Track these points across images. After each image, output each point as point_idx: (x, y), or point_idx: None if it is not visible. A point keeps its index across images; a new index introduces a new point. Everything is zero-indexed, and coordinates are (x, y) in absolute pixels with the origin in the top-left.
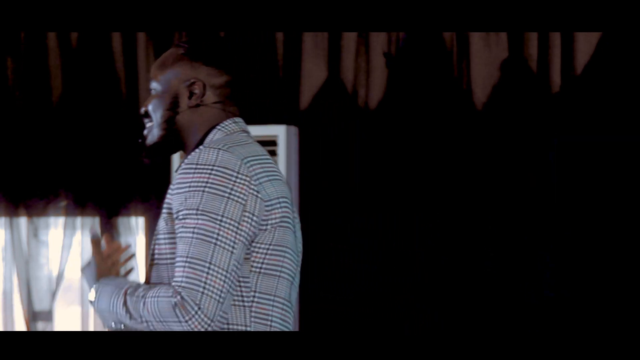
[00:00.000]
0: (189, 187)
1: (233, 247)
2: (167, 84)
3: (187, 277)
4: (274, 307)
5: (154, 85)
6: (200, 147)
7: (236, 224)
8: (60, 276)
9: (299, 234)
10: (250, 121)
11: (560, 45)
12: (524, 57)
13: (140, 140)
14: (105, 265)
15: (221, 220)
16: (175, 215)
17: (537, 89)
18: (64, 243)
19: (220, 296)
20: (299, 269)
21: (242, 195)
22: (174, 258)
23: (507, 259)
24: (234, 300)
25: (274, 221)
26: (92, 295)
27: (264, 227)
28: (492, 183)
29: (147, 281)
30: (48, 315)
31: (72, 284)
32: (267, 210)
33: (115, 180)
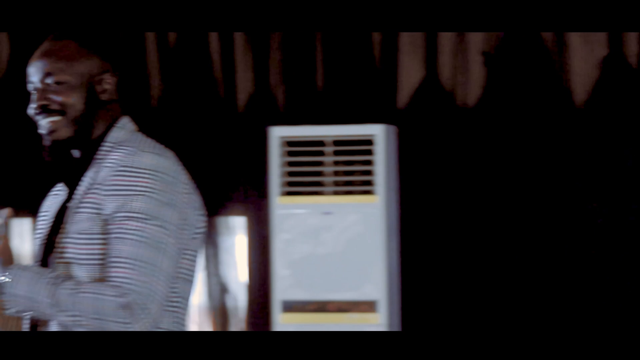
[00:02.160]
0: (129, 190)
1: (174, 254)
2: (77, 76)
3: (136, 279)
4: (187, 311)
5: (60, 78)
6: (131, 149)
7: (178, 232)
8: None
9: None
10: (348, 121)
11: None
12: (624, 53)
13: (46, 137)
14: (10, 249)
15: (167, 227)
16: (109, 216)
17: (637, 85)
18: None
19: (162, 302)
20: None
21: (182, 204)
22: (103, 258)
23: (615, 256)
24: (166, 305)
25: (201, 230)
26: (2, 278)
27: (196, 236)
28: (593, 181)
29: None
30: None
31: None
32: (199, 219)
33: (215, 179)
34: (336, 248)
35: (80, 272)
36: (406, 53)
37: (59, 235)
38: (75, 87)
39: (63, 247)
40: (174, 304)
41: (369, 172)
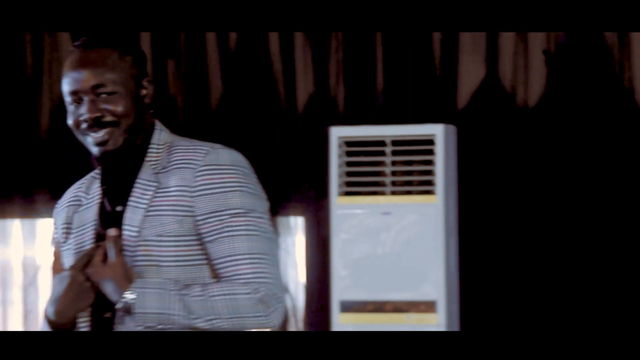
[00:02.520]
0: (222, 187)
1: (276, 240)
2: (125, 84)
3: (262, 272)
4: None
5: (110, 88)
6: (203, 148)
7: (269, 219)
8: None
9: None
10: (408, 120)
11: None
12: None
13: (96, 149)
14: (125, 266)
15: (265, 217)
16: (205, 216)
17: None
18: None
19: (285, 288)
20: None
21: (262, 193)
22: (187, 259)
23: None
24: None
25: None
26: (129, 296)
27: None
28: None
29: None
30: None
31: None
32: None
33: (274, 179)
34: (395, 248)
35: (169, 274)
36: (467, 53)
37: (126, 239)
38: (125, 97)
39: (139, 251)
40: None
41: (428, 172)
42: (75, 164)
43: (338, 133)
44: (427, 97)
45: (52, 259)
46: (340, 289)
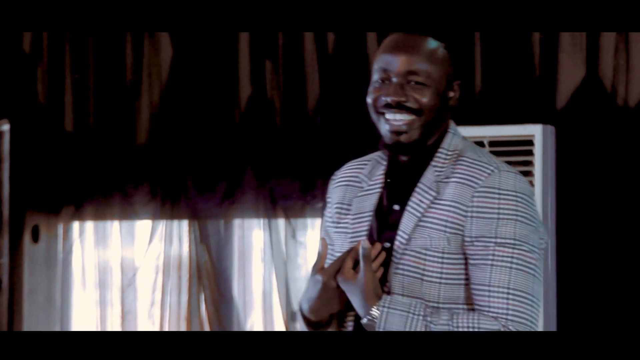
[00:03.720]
0: (497, 214)
1: (542, 280)
2: (438, 80)
3: (514, 310)
4: None
5: (422, 78)
6: (489, 166)
7: (541, 255)
8: None
9: None
10: (507, 121)
11: None
12: None
13: (399, 131)
14: (375, 281)
15: (537, 252)
16: (473, 239)
17: None
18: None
19: (536, 327)
20: None
21: (540, 225)
22: (451, 278)
23: None
24: None
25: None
26: (374, 313)
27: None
28: None
29: (397, 291)
30: None
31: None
32: (543, 241)
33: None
34: None
35: (431, 289)
36: (567, 52)
37: (397, 244)
38: (434, 91)
39: (404, 259)
40: None
41: (527, 173)
42: (173, 166)
43: None
44: (526, 98)
45: (318, 254)
46: None
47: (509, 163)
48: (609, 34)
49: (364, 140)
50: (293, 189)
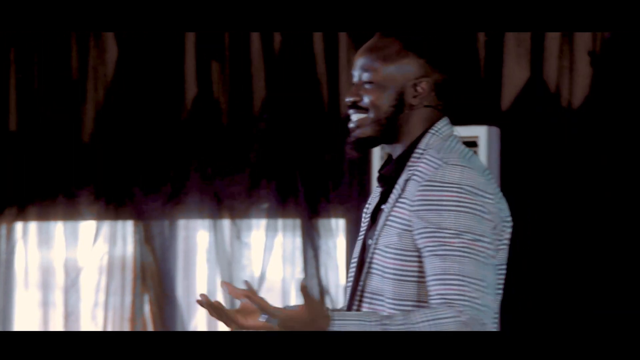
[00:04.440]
0: (439, 206)
1: (493, 266)
2: (390, 78)
3: (469, 296)
4: (494, 324)
5: (372, 77)
6: (438, 161)
7: (490, 243)
8: (262, 277)
9: None
10: (451, 122)
11: None
12: None
13: (351, 131)
14: (317, 305)
15: (483, 240)
16: (419, 232)
17: None
18: (265, 245)
19: (493, 316)
20: None
21: (490, 214)
22: (402, 274)
23: None
24: None
25: (506, 240)
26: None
27: (501, 247)
28: None
29: (358, 288)
30: None
31: (274, 285)
32: (504, 228)
33: (316, 182)
34: None
35: (384, 286)
36: (511, 54)
37: (370, 241)
38: (385, 89)
39: (372, 257)
40: (494, 320)
41: None
42: (118, 166)
43: None
44: (471, 99)
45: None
46: None
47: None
48: (553, 36)
49: (310, 140)
50: (238, 189)
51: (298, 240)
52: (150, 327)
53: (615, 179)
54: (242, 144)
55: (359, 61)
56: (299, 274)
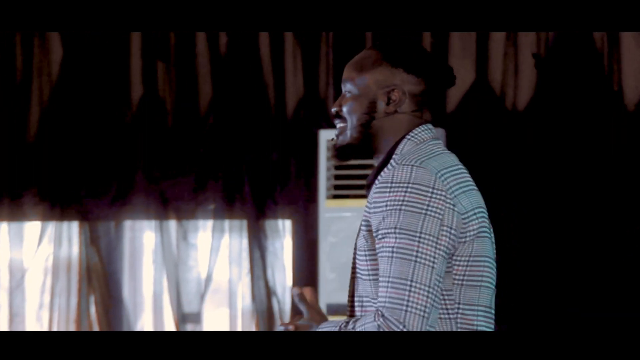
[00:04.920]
0: (386, 206)
1: (433, 262)
2: (364, 87)
3: (389, 297)
4: (478, 317)
5: (349, 87)
6: (393, 164)
7: (435, 239)
8: (208, 279)
9: (494, 240)
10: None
11: None
12: None
13: (332, 139)
14: (319, 313)
15: (420, 237)
16: (375, 234)
17: None
18: (212, 246)
19: (424, 311)
20: (495, 274)
21: (438, 210)
22: (376, 274)
23: None
24: (440, 313)
25: (471, 233)
26: None
27: (463, 240)
28: None
29: (351, 293)
30: (197, 317)
31: (220, 286)
32: (465, 223)
33: (262, 183)
34: None
35: (361, 287)
36: (456, 56)
37: (353, 252)
38: (357, 97)
39: (354, 262)
40: (453, 311)
41: None
42: (63, 167)
43: (327, 136)
44: None
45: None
46: (328, 292)
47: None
48: (497, 38)
49: (256, 141)
50: (185, 190)
51: (245, 242)
52: (96, 328)
53: (559, 179)
54: (188, 144)
55: (344, 72)
56: (245, 275)
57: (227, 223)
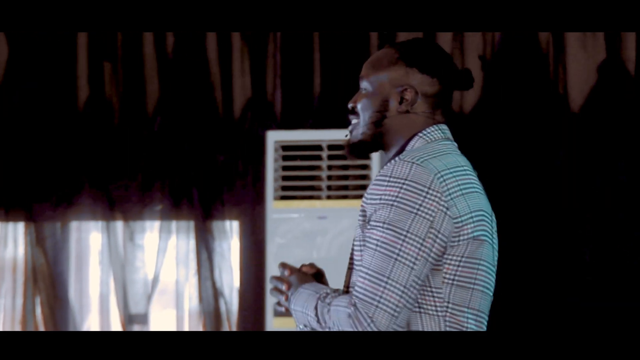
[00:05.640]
0: (380, 199)
1: (414, 263)
2: (378, 85)
3: (364, 289)
4: (468, 319)
5: (365, 85)
6: (396, 158)
7: (420, 240)
8: (155, 280)
9: (496, 245)
10: (345, 125)
11: None
12: (622, 59)
13: (345, 136)
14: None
15: (405, 236)
16: (368, 225)
17: (635, 91)
18: (159, 246)
19: (395, 310)
20: (494, 280)
21: (430, 212)
22: None
23: (605, 258)
24: (428, 309)
25: (466, 236)
26: (291, 298)
27: (454, 243)
28: (589, 185)
29: (347, 284)
30: (143, 318)
31: (167, 287)
32: (457, 227)
33: (210, 184)
34: (330, 252)
35: (354, 278)
36: None
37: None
38: (371, 95)
39: (351, 253)
40: (442, 309)
41: (364, 177)
42: (8, 168)
43: (275, 137)
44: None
45: None
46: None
47: (347, 167)
48: (444, 40)
49: (204, 142)
50: (132, 191)
51: (192, 242)
52: (42, 329)
53: (505, 182)
54: (135, 145)
55: (362, 69)
56: (192, 276)
57: (174, 224)
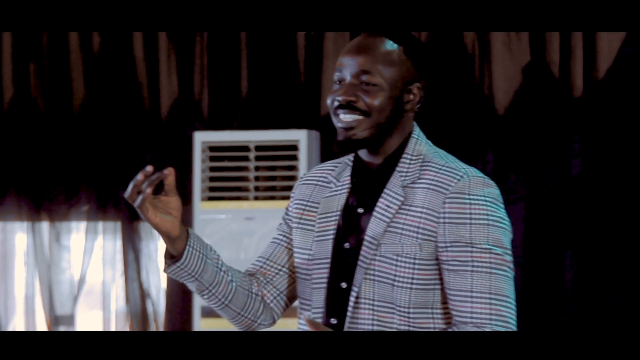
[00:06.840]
0: (470, 219)
1: (514, 281)
2: (392, 82)
3: (497, 314)
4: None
5: (376, 80)
6: (456, 172)
7: (512, 255)
8: (82, 281)
9: None
10: (272, 125)
11: (583, 49)
12: (546, 61)
13: (345, 130)
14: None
15: (507, 254)
16: (448, 245)
17: (559, 93)
18: (85, 247)
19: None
20: None
21: (510, 226)
22: (422, 283)
23: (531, 259)
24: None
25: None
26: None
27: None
28: (514, 188)
29: (352, 294)
30: (70, 320)
31: (94, 288)
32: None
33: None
34: (257, 253)
35: (395, 294)
36: (331, 59)
37: (347, 245)
38: (386, 92)
39: (372, 264)
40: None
41: (291, 178)
42: None
43: (202, 138)
44: (291, 103)
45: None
46: None
47: (274, 168)
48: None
49: (130, 142)
50: (57, 191)
51: (119, 243)
52: None
53: None
54: (61, 145)
55: (356, 60)
56: (119, 276)
57: (100, 225)
